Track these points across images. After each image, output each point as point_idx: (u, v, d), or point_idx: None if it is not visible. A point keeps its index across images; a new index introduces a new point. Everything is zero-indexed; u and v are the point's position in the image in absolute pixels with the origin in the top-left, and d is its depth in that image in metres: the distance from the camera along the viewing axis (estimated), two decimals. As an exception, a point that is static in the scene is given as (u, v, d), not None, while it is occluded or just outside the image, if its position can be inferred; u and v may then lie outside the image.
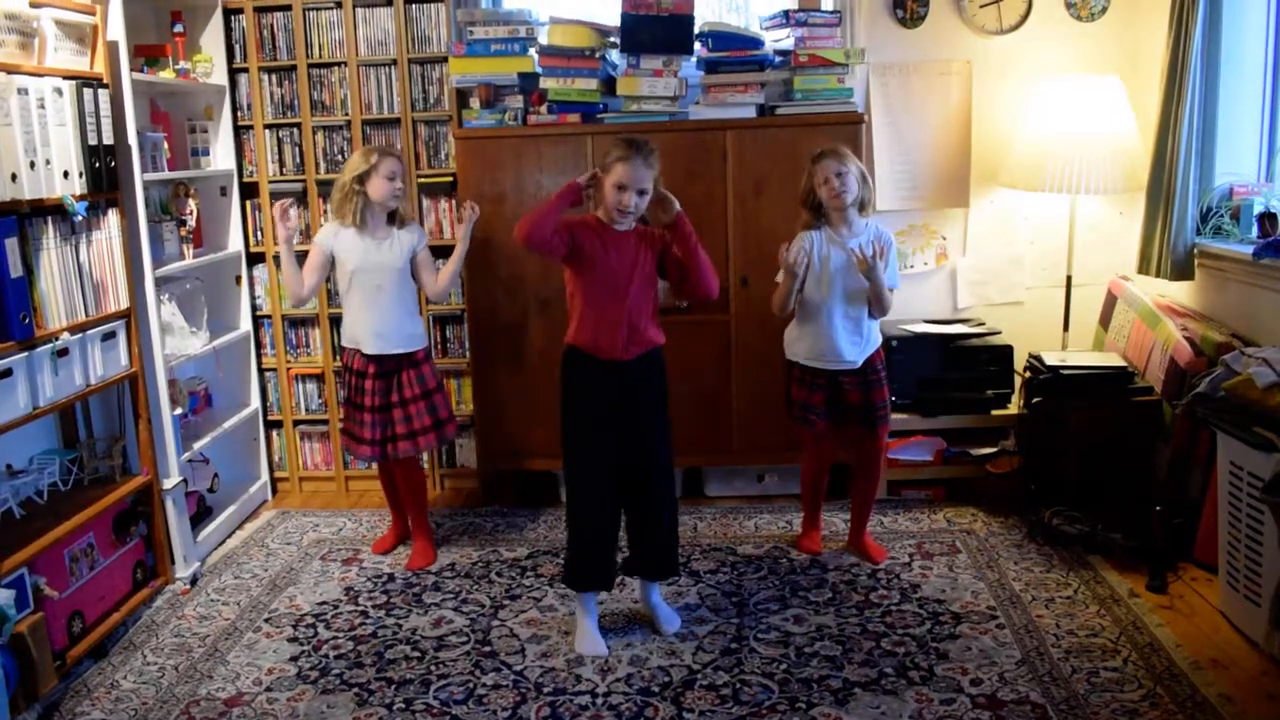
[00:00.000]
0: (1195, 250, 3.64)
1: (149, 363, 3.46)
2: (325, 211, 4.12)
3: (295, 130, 4.27)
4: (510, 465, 4.19)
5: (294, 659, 3.04)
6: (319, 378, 4.43)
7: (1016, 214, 4.24)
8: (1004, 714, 2.60)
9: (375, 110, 4.22)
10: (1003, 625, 3.04)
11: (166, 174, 3.75)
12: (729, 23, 4.18)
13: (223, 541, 3.94)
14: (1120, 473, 3.60)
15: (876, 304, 3.32)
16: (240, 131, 4.26)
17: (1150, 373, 3.65)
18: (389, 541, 3.79)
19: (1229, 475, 2.97)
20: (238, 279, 4.29)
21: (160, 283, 3.59)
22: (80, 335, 3.05)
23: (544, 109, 3.89)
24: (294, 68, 4.21)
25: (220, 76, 4.13)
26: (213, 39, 4.12)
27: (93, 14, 3.19)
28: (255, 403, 4.37)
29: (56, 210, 2.95)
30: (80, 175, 3.06)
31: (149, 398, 3.43)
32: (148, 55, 3.78)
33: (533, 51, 3.91)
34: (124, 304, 3.29)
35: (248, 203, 4.31)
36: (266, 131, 4.27)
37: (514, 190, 3.90)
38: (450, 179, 4.18)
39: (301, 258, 3.62)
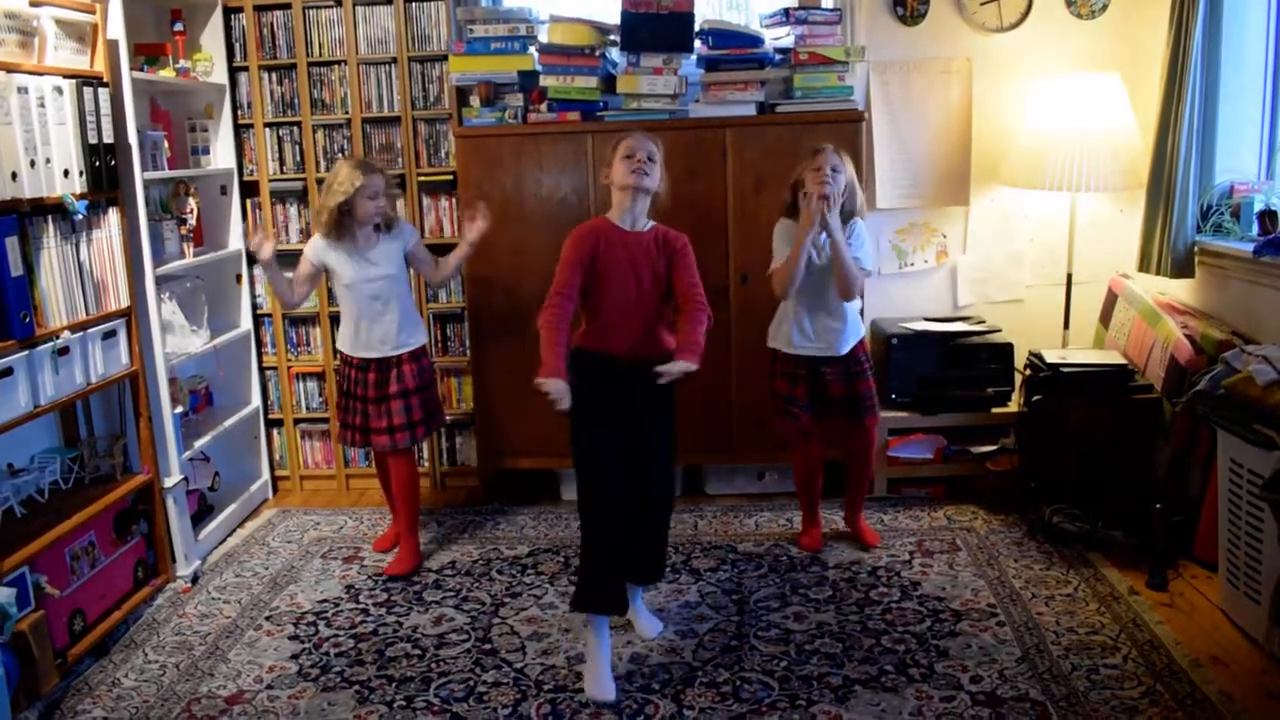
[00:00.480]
0: (1195, 248, 3.64)
1: (149, 361, 3.46)
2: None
3: (295, 129, 4.27)
4: (510, 463, 4.20)
5: (295, 657, 3.04)
6: (319, 376, 4.44)
7: (1017, 212, 4.24)
8: (1004, 711, 2.60)
9: (375, 108, 4.22)
10: (1003, 623, 3.05)
11: (167, 173, 3.76)
12: (729, 20, 4.18)
13: (224, 540, 3.94)
14: (1120, 470, 3.60)
15: (842, 278, 3.26)
16: (240, 130, 4.26)
17: (1150, 370, 3.66)
18: (391, 539, 3.79)
19: (1229, 473, 2.97)
20: (238, 277, 4.29)
21: (161, 281, 3.59)
22: (81, 334, 3.05)
23: (544, 107, 3.90)
24: (294, 66, 4.21)
25: (220, 75, 4.14)
26: (213, 37, 4.12)
27: (92, 13, 3.19)
28: (256, 401, 4.37)
29: (57, 209, 2.95)
30: (80, 174, 3.06)
31: (150, 396, 3.43)
32: (148, 54, 3.78)
33: (533, 49, 3.91)
34: (124, 302, 3.29)
35: (248, 201, 4.31)
36: (267, 130, 4.27)
37: (514, 188, 3.90)
38: (450, 177, 4.18)
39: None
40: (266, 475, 4.43)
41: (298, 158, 4.29)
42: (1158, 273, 3.70)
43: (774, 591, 3.32)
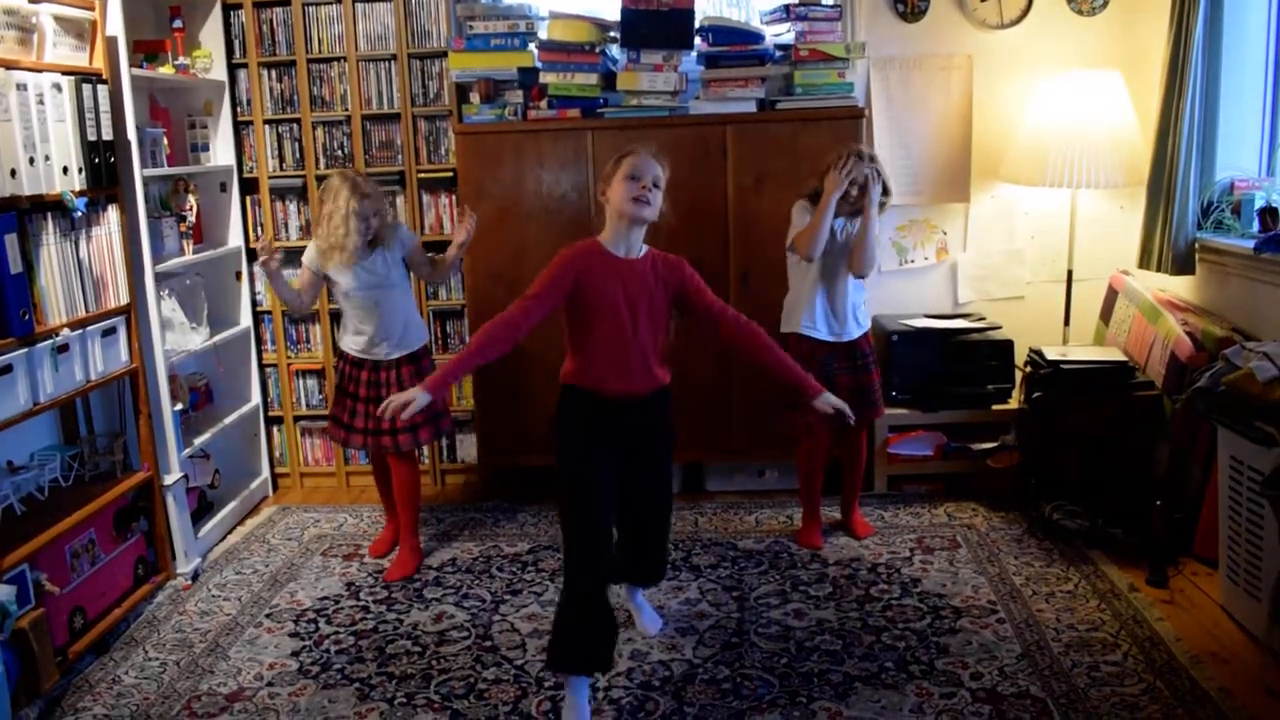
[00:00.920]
0: (1196, 245, 3.64)
1: (149, 358, 3.46)
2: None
3: (295, 126, 4.26)
4: (511, 461, 4.20)
5: (295, 654, 3.04)
6: (319, 373, 4.43)
7: (1017, 209, 4.24)
8: (1004, 708, 2.60)
9: (375, 105, 4.21)
10: (1003, 620, 3.05)
11: (166, 170, 3.76)
12: (729, 17, 4.18)
13: (224, 537, 3.94)
14: (1120, 467, 3.60)
15: (863, 248, 3.35)
16: (240, 127, 4.26)
17: (1151, 367, 3.65)
18: (386, 543, 3.76)
19: (1229, 470, 2.97)
20: (238, 275, 4.29)
21: (160, 278, 3.58)
22: (80, 331, 3.04)
23: (544, 104, 3.89)
24: (293, 63, 4.20)
25: (220, 72, 4.13)
26: (212, 34, 4.12)
27: (92, 9, 3.19)
28: (256, 398, 4.37)
29: (56, 206, 2.94)
30: (80, 171, 3.06)
31: (149, 393, 3.43)
32: (147, 51, 3.77)
33: (532, 46, 3.91)
34: (124, 300, 3.29)
35: (248, 198, 4.30)
36: (266, 127, 4.27)
37: (514, 185, 3.89)
38: (450, 174, 4.18)
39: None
40: (266, 472, 4.43)
41: (297, 155, 4.28)
42: (1158, 269, 3.70)
43: (774, 588, 3.32)
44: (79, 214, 3.01)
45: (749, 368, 3.90)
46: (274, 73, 4.23)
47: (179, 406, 3.69)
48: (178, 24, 3.89)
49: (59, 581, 2.88)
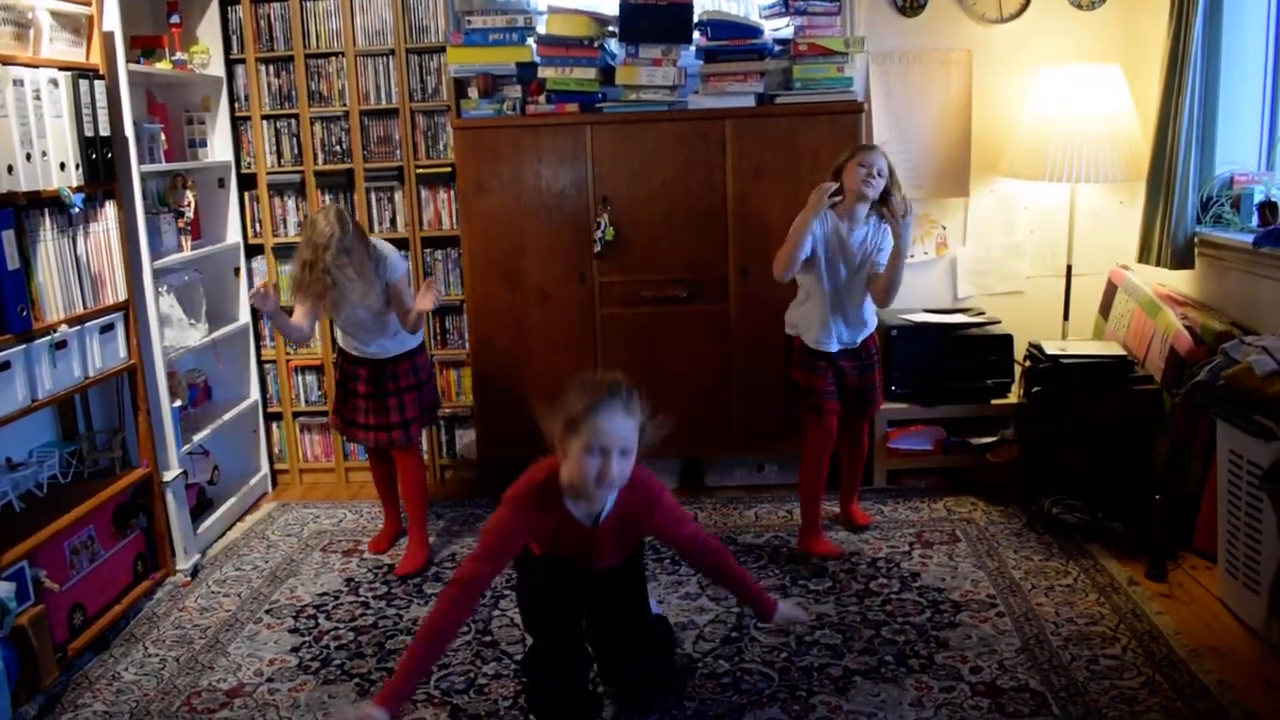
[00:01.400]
0: (1195, 239, 3.63)
1: (148, 355, 3.45)
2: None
3: (293, 121, 4.26)
4: (510, 456, 4.18)
5: (295, 650, 3.04)
6: (318, 369, 4.43)
7: (1017, 203, 4.24)
8: (1003, 702, 2.60)
9: (373, 100, 4.21)
10: (1002, 613, 3.05)
11: (164, 165, 3.75)
12: (728, 11, 4.17)
13: (223, 533, 3.94)
14: (1120, 462, 3.60)
15: (887, 287, 3.28)
16: (238, 123, 4.25)
17: (1150, 362, 3.65)
18: (385, 540, 3.75)
19: (1228, 463, 2.97)
20: (236, 271, 4.29)
21: (158, 275, 3.58)
22: (78, 327, 3.04)
23: (542, 99, 3.89)
24: (291, 58, 4.20)
25: (217, 67, 4.12)
26: (209, 30, 4.11)
27: (88, 4, 3.18)
28: (255, 395, 4.37)
29: (53, 202, 2.94)
30: (77, 167, 3.05)
31: (148, 390, 3.43)
32: (144, 46, 3.76)
33: (531, 41, 3.90)
34: (122, 296, 3.29)
35: (246, 194, 4.30)
36: (264, 122, 4.26)
37: (512, 180, 3.89)
38: (449, 169, 4.17)
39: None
40: (266, 469, 4.42)
41: (295, 150, 4.27)
42: (1157, 264, 3.70)
43: (774, 583, 3.32)
44: (76, 210, 3.00)
45: (749, 363, 3.92)
46: (272, 68, 4.22)
47: (178, 403, 3.68)
48: (175, 19, 3.88)
49: (58, 578, 2.88)
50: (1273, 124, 3.66)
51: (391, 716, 2.15)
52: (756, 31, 3.88)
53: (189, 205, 3.89)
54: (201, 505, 3.94)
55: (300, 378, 4.45)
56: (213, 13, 4.10)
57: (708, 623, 3.08)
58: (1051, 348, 3.77)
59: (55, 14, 3.03)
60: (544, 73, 3.85)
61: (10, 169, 2.75)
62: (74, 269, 3.04)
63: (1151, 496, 3.35)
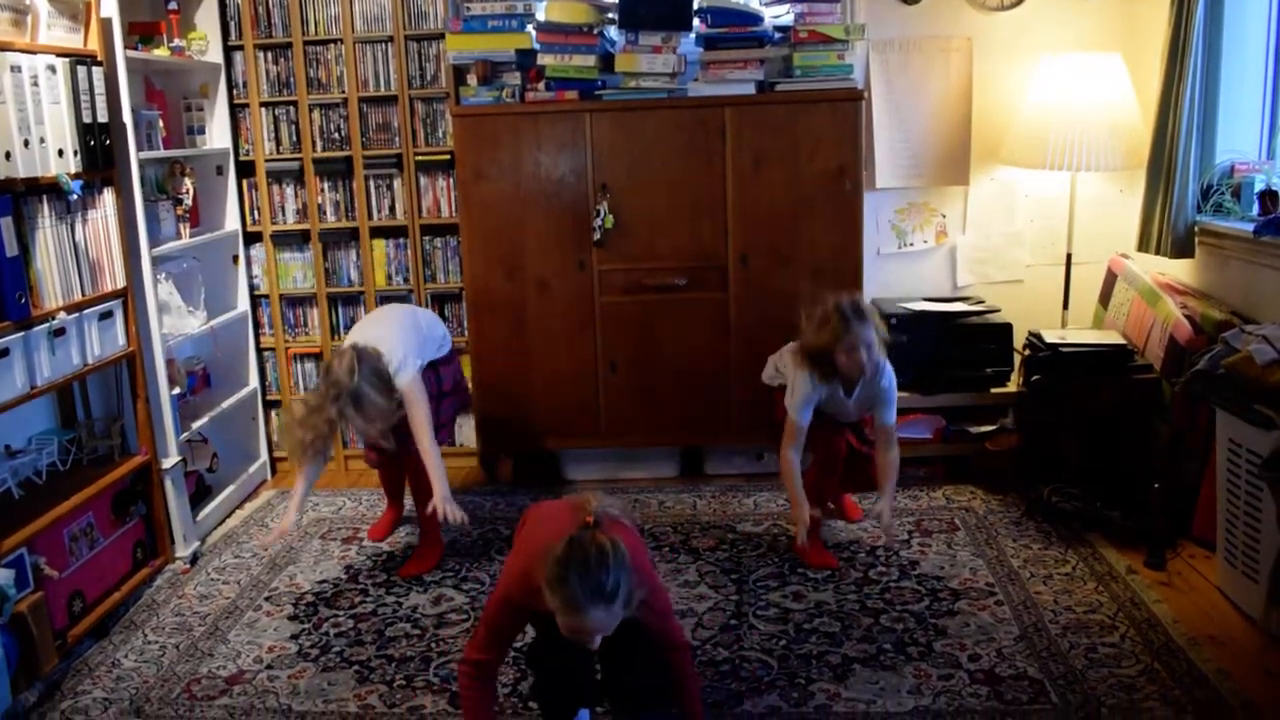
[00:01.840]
0: (1196, 228, 3.63)
1: (146, 342, 3.45)
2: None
3: (291, 108, 4.24)
4: (509, 444, 4.20)
5: (294, 637, 3.04)
6: (317, 357, 4.43)
7: (1017, 192, 4.23)
8: (1002, 689, 2.61)
9: (372, 87, 4.19)
10: (1001, 602, 3.05)
11: (162, 152, 3.74)
12: (728, -1, 4.15)
13: (222, 521, 3.94)
14: (1119, 450, 3.60)
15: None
16: (236, 110, 4.24)
17: (1150, 351, 3.65)
18: (385, 527, 3.74)
19: (1228, 452, 2.97)
20: (235, 258, 4.28)
21: (157, 262, 3.57)
22: (77, 315, 3.04)
23: (542, 86, 3.87)
24: (290, 45, 4.18)
25: (215, 54, 4.11)
26: (207, 16, 4.09)
27: (86, -10, 3.16)
28: (254, 382, 4.36)
29: (51, 189, 2.93)
30: (75, 153, 3.04)
31: (147, 377, 3.42)
32: (142, 33, 3.74)
33: (530, 28, 3.88)
34: (120, 283, 3.28)
35: (244, 181, 4.29)
36: (263, 109, 4.24)
37: (512, 168, 3.88)
38: (448, 157, 4.16)
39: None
40: (265, 456, 4.42)
41: (294, 137, 4.26)
42: (1157, 253, 3.69)
43: (773, 570, 3.33)
44: (74, 197, 2.99)
45: (748, 351, 3.92)
46: (270, 55, 4.21)
47: (176, 390, 3.68)
48: (173, 5, 3.85)
49: (57, 565, 2.88)
50: (1274, 112, 3.65)
51: None
52: (757, 19, 3.87)
53: (187, 192, 3.88)
54: (201, 493, 3.95)
55: (299, 365, 4.45)
56: (211, -1, 4.09)
57: (706, 610, 3.09)
58: (1051, 336, 3.76)
59: (53, 0, 3.01)
60: (543, 60, 3.83)
61: (8, 155, 2.74)
62: (72, 256, 3.03)
63: (1150, 485, 3.35)
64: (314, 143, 4.26)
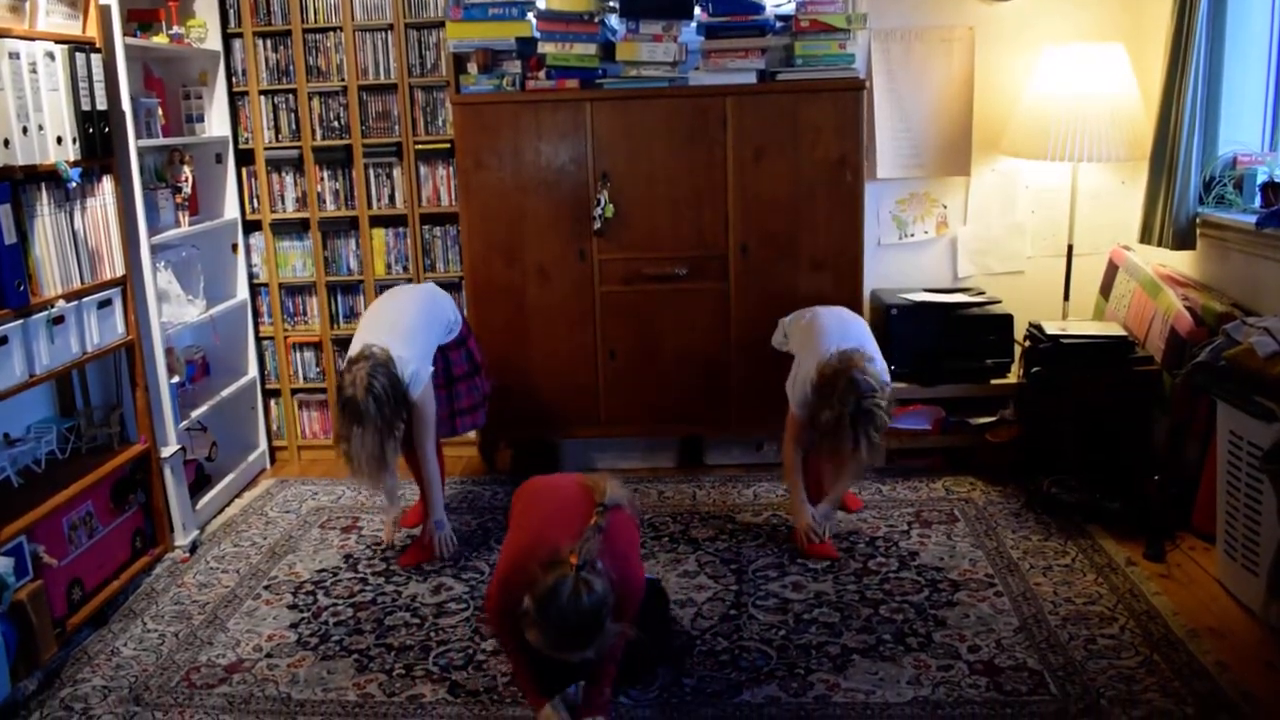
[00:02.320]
0: (1197, 220, 3.62)
1: (145, 331, 3.44)
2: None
3: (291, 96, 4.23)
4: (508, 433, 4.19)
5: (294, 626, 3.04)
6: (317, 346, 4.42)
7: (1018, 182, 4.22)
8: (1001, 680, 2.61)
9: (372, 75, 4.18)
10: (1001, 593, 3.05)
11: (161, 140, 3.73)
12: (729, -13, 4.13)
13: (222, 510, 3.94)
14: (1119, 442, 3.60)
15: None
16: (235, 98, 4.22)
17: (1151, 342, 3.65)
18: (416, 516, 3.64)
19: (1228, 444, 2.97)
20: (234, 247, 4.27)
21: (156, 250, 3.56)
22: (76, 303, 3.03)
23: (542, 74, 3.85)
24: (289, 33, 4.16)
25: (214, 42, 4.09)
26: (207, 3, 4.07)
27: (84, -24, 3.15)
28: (253, 371, 4.35)
29: (50, 177, 2.92)
30: (74, 141, 3.03)
31: (146, 366, 3.42)
32: (141, 20, 3.73)
33: (531, 16, 3.86)
34: (119, 271, 3.27)
35: (243, 170, 4.27)
36: (262, 98, 4.23)
37: (512, 156, 3.86)
38: (448, 145, 4.15)
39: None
40: (264, 445, 4.42)
41: (293, 125, 4.25)
42: (1159, 244, 3.69)
43: (772, 561, 3.33)
44: (73, 184, 2.98)
45: (748, 342, 3.91)
46: (269, 42, 4.19)
47: (175, 379, 3.67)
48: (172, -8, 3.85)
49: (57, 554, 2.88)
50: (1276, 104, 3.63)
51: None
52: (758, 7, 3.85)
53: (186, 180, 3.87)
54: (200, 481, 3.94)
55: (298, 354, 4.44)
56: (210, -14, 4.07)
57: (706, 600, 3.09)
58: (1052, 328, 3.76)
59: (51, -14, 3.00)
60: (544, 48, 3.81)
61: (6, 143, 2.73)
62: (71, 244, 3.02)
63: (1150, 477, 3.35)
64: (313, 131, 4.24)
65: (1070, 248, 4.07)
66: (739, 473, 4.13)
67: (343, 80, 4.19)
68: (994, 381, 3.98)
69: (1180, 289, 3.60)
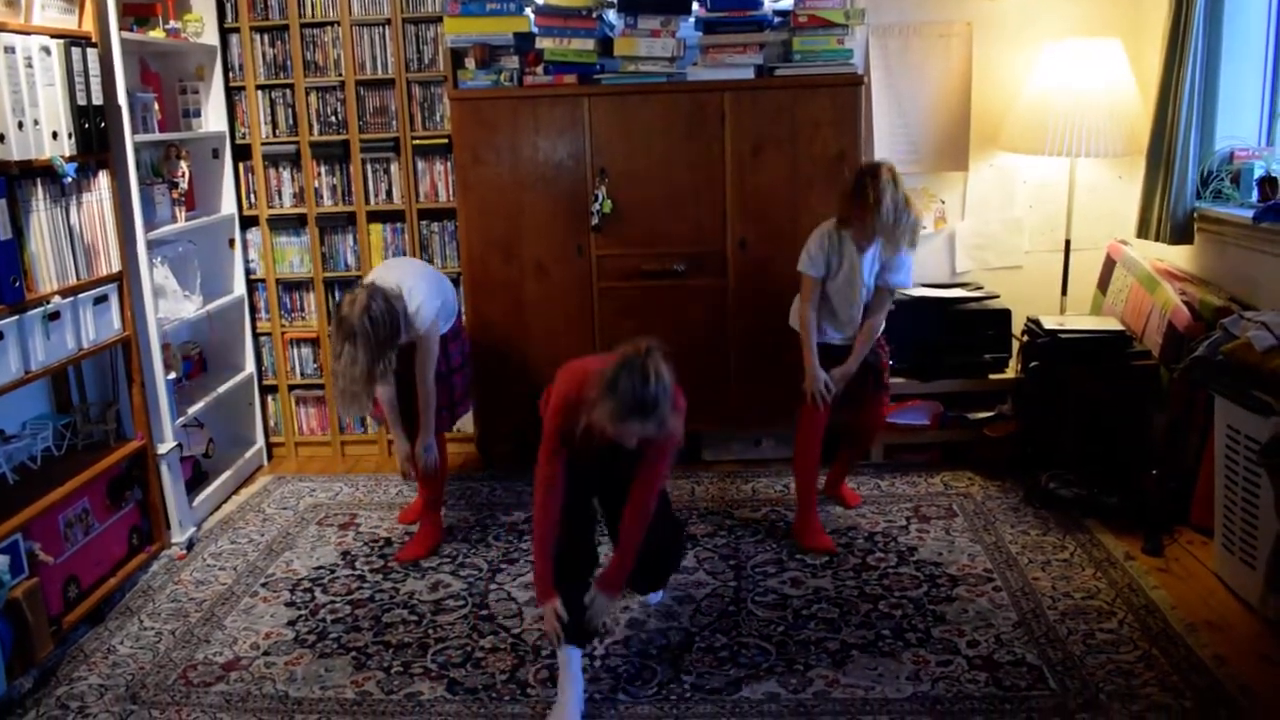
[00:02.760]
0: (1195, 214, 3.62)
1: (142, 326, 3.43)
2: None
3: (288, 91, 4.21)
4: (506, 429, 4.18)
5: (291, 623, 3.04)
6: (314, 342, 4.41)
7: (1016, 177, 4.22)
8: (1000, 675, 2.61)
9: (369, 70, 4.16)
10: (999, 588, 3.05)
11: (157, 135, 3.72)
12: (727, -18, 4.12)
13: (219, 506, 3.93)
14: (1117, 436, 3.60)
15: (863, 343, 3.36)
16: (232, 92, 4.20)
17: (1148, 337, 3.65)
18: (415, 512, 3.67)
19: (1226, 439, 2.97)
20: (231, 242, 4.25)
21: (152, 245, 3.55)
22: (72, 298, 3.02)
23: (540, 69, 3.85)
24: (286, 27, 4.15)
25: (211, 36, 4.07)
26: (203, -3, 4.06)
27: (80, -29, 3.13)
28: (250, 367, 4.34)
29: (46, 172, 2.90)
30: (69, 136, 3.02)
31: (142, 362, 3.41)
32: (137, 14, 3.72)
33: (529, 11, 3.85)
34: (116, 267, 3.26)
35: (240, 165, 4.26)
36: (259, 92, 4.21)
37: (510, 152, 3.86)
38: (445, 141, 4.14)
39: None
40: (261, 442, 4.41)
41: (290, 120, 4.23)
42: (1156, 239, 3.69)
43: (771, 557, 3.33)
44: (69, 180, 2.97)
45: (746, 338, 3.91)
46: (266, 37, 4.17)
47: (172, 375, 3.66)
48: (168, -13, 3.83)
49: (52, 551, 2.87)
50: (1273, 99, 3.64)
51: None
52: (756, 3, 3.84)
53: (183, 176, 3.86)
54: (197, 478, 3.93)
55: (295, 350, 4.43)
56: (206, -20, 4.05)
57: (704, 596, 3.09)
58: (1049, 322, 3.76)
59: (46, -20, 2.98)
60: (542, 43, 3.81)
61: (2, 138, 2.71)
62: (67, 239, 3.01)
63: (1148, 471, 3.35)
64: (311, 126, 4.23)
65: (1068, 242, 4.07)
66: (737, 468, 4.12)
67: (340, 75, 4.17)
68: (992, 376, 3.99)
69: (1177, 283, 3.60)
